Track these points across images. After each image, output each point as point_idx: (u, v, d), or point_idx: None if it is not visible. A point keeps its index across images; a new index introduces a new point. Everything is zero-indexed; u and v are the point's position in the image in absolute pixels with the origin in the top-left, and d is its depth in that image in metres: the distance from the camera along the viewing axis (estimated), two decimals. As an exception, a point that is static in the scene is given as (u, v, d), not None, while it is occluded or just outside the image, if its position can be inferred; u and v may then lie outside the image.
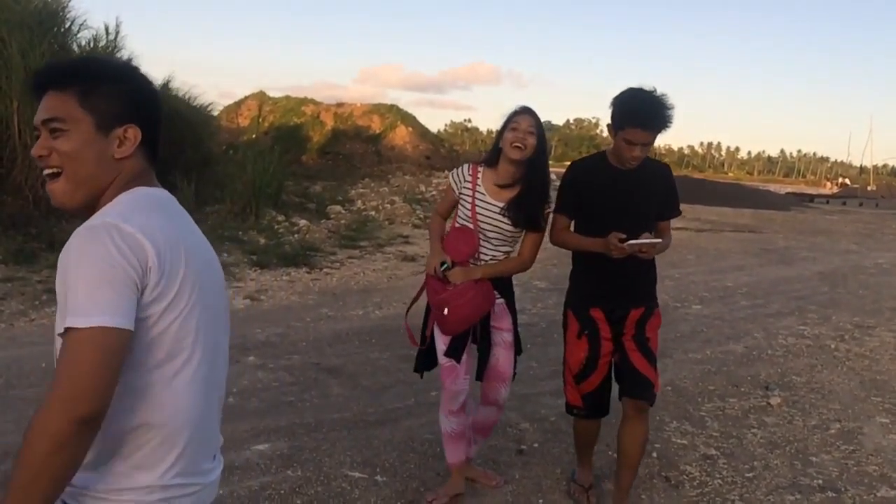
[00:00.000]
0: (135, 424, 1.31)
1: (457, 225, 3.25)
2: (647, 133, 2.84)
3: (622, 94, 2.89)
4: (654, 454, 3.95)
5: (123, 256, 1.24)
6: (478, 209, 3.16)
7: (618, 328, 3.11)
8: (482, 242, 3.18)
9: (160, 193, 1.45)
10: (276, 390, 4.56)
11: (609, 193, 3.02)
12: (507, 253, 3.27)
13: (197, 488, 1.41)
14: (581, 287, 3.21)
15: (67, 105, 1.37)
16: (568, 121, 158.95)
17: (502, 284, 3.27)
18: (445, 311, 3.11)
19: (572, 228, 3.15)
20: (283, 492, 3.28)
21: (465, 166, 3.29)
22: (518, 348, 3.40)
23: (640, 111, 2.82)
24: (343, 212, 13.45)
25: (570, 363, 3.21)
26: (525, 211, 3.13)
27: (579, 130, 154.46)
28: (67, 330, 1.20)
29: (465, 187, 3.22)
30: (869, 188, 49.59)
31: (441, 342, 3.19)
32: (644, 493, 3.52)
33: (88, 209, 1.39)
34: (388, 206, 14.88)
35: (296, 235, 10.69)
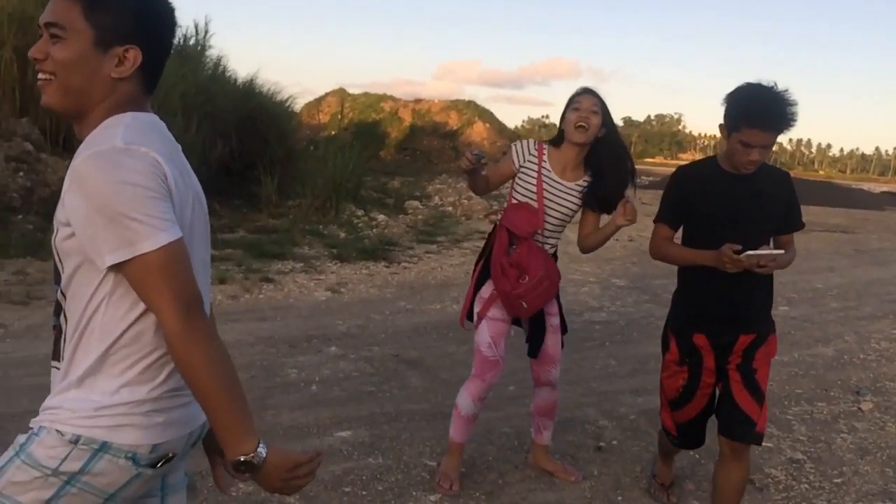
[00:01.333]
0: (131, 336, 1.33)
1: (514, 201, 3.21)
2: (766, 134, 2.53)
3: (737, 89, 2.60)
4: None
5: (149, 173, 1.25)
6: (544, 185, 3.14)
7: (723, 355, 2.81)
8: (545, 220, 3.16)
9: (153, 118, 1.42)
10: (356, 380, 4.66)
11: (722, 203, 2.71)
12: (558, 239, 3.29)
13: (188, 399, 1.40)
14: (685, 308, 2.89)
15: (71, 13, 1.32)
16: (649, 116, 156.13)
17: None
18: (524, 304, 3.13)
19: (678, 240, 2.89)
20: (364, 478, 3.37)
21: (531, 141, 3.25)
22: (563, 328, 3.42)
23: (759, 110, 2.52)
24: (420, 207, 13.58)
25: (665, 388, 2.97)
26: (600, 193, 3.15)
27: (661, 126, 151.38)
28: (139, 258, 1.23)
29: (529, 161, 3.18)
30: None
31: (487, 334, 3.20)
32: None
33: (74, 117, 1.38)
34: (465, 201, 14.93)
35: (374, 230, 10.86)
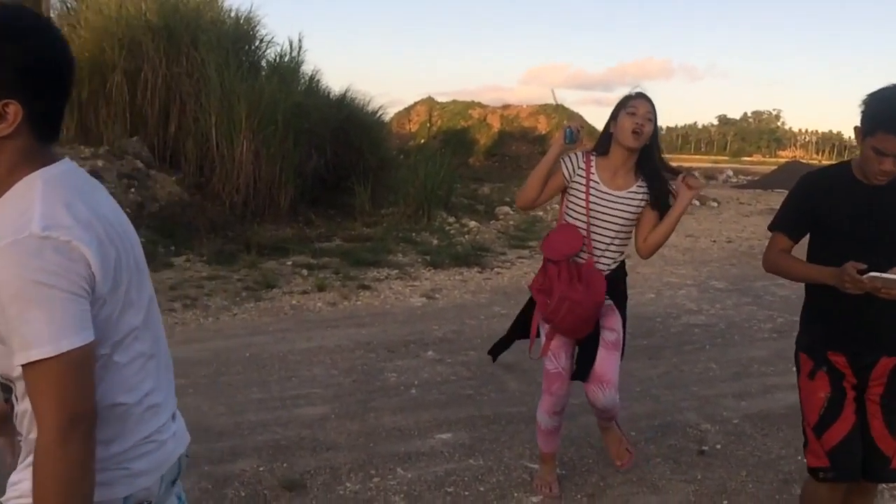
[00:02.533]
0: (106, 405, 1.28)
1: (565, 221, 3.15)
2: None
3: (880, 90, 2.32)
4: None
5: (66, 270, 1.16)
6: (592, 199, 3.05)
7: (862, 379, 2.50)
8: (595, 236, 3.07)
9: (65, 168, 1.29)
10: (454, 384, 4.74)
11: (854, 216, 2.42)
12: (621, 253, 3.15)
13: (158, 444, 1.38)
14: (815, 327, 2.59)
15: None
16: (745, 114, 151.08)
17: (612, 286, 3.11)
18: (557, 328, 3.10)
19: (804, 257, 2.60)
20: (466, 479, 3.43)
21: (580, 154, 3.12)
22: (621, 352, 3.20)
23: (891, 116, 2.24)
24: (511, 213, 13.61)
25: (805, 412, 2.57)
26: (658, 193, 3.08)
27: (758, 124, 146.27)
28: (35, 362, 1.15)
29: (578, 175, 3.09)
30: None
31: (554, 354, 3.15)
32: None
33: None
34: (556, 206, 14.85)
35: (466, 236, 10.97)
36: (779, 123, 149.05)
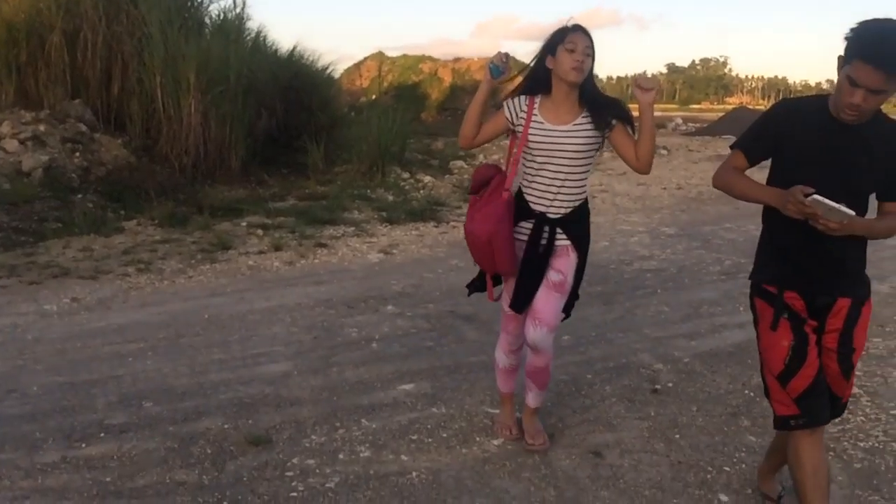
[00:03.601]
0: None
1: (520, 164, 3.09)
2: (877, 74, 2.14)
3: (867, 20, 2.23)
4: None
5: None
6: (537, 138, 2.99)
7: (820, 321, 2.48)
8: (547, 174, 3.01)
9: None
10: (414, 336, 4.81)
11: (819, 149, 2.34)
12: (579, 191, 3.06)
13: None
14: (772, 262, 2.54)
15: None
16: (693, 62, 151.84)
17: (576, 227, 3.10)
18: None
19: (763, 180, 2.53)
20: (429, 426, 3.52)
21: (523, 98, 3.07)
22: (571, 299, 3.16)
23: (876, 42, 2.14)
24: (466, 167, 13.61)
25: (769, 362, 2.51)
26: (611, 113, 2.99)
27: (706, 71, 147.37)
28: None
29: (521, 118, 3.05)
30: None
31: (507, 291, 3.18)
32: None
33: None
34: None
35: (421, 192, 10.97)
36: (726, 70, 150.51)
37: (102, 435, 3.37)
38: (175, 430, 3.42)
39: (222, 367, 4.23)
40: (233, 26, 11.58)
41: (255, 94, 10.85)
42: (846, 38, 2.22)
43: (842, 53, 2.25)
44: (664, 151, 18.67)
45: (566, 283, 3.11)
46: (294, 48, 13.01)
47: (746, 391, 3.97)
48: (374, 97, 21.16)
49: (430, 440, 3.40)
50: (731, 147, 2.58)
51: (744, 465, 3.20)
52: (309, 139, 11.47)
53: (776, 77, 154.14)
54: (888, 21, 2.18)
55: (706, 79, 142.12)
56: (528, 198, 3.10)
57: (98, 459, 3.16)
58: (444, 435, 3.45)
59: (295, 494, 2.92)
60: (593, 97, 3.03)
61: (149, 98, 10.33)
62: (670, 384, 4.08)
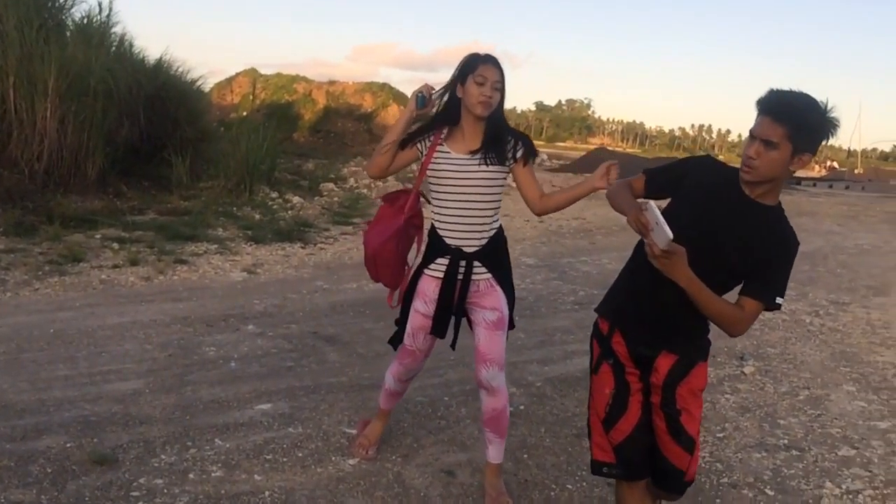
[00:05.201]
0: None
1: (432, 192, 3.07)
2: (770, 123, 2.11)
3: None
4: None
5: None
6: (443, 168, 2.97)
7: (645, 374, 2.39)
8: (455, 205, 2.98)
9: None
10: (275, 356, 4.78)
11: (710, 210, 2.26)
12: (491, 221, 3.04)
13: None
14: (619, 295, 2.50)
15: None
16: (560, 101, 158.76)
17: (493, 258, 3.08)
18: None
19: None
20: (285, 446, 3.51)
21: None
22: (510, 324, 3.16)
23: (775, 97, 2.14)
24: (336, 189, 13.62)
25: (595, 405, 2.49)
26: (497, 149, 2.96)
27: (571, 111, 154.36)
28: None
29: (429, 146, 3.03)
30: (856, 171, 50.07)
31: (409, 324, 3.14)
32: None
33: None
34: (381, 183, 15.02)
35: (289, 212, 10.87)
36: (589, 112, 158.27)
37: (-73, 454, 3.14)
38: (13, 448, 3.23)
39: (67, 383, 4.03)
40: (96, 31, 11.10)
41: (117, 101, 10.41)
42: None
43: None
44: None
45: (504, 319, 3.08)
46: (161, 57, 12.60)
47: (591, 414, 4.21)
48: (244, 114, 20.73)
49: (284, 459, 3.39)
50: (643, 171, 2.51)
51: (585, 484, 3.40)
52: (174, 152, 11.10)
53: (634, 121, 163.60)
54: (793, 90, 2.16)
55: (571, 118, 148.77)
56: (441, 233, 3.05)
57: (-79, 480, 2.95)
58: (300, 454, 3.45)
59: (140, 515, 2.84)
60: (498, 130, 2.99)
61: (0, 99, 9.69)
62: (522, 407, 4.26)
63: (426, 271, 3.11)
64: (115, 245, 7.51)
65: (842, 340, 6.20)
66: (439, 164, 3.00)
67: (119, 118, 10.63)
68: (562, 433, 3.94)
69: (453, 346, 3.26)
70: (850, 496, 3.50)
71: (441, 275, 3.06)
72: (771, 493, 3.47)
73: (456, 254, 3.02)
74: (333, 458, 3.44)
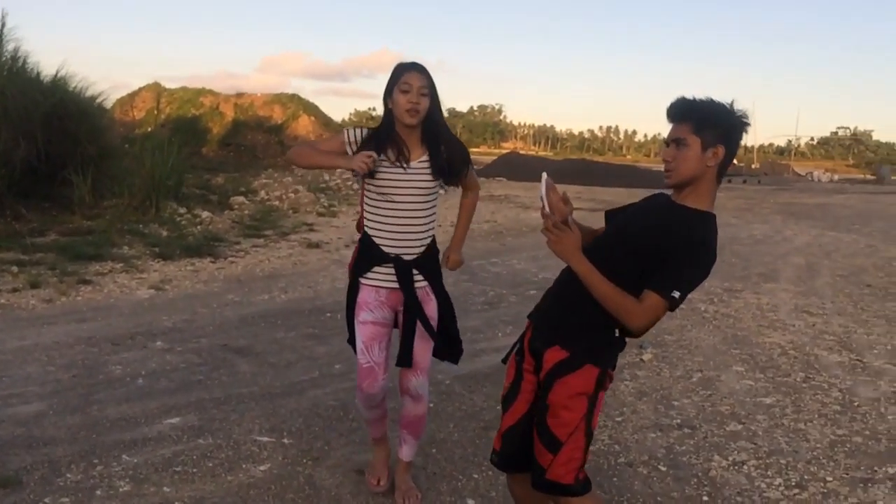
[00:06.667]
0: None
1: (367, 199, 3.01)
2: (675, 125, 2.25)
3: None
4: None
5: None
6: (384, 179, 2.92)
7: (539, 370, 2.37)
8: (392, 214, 2.96)
9: None
10: (184, 371, 4.76)
11: (631, 211, 2.42)
12: (427, 230, 3.04)
13: None
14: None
15: None
16: (472, 108, 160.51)
17: (429, 266, 3.08)
18: None
19: None
20: (194, 457, 3.53)
21: (363, 130, 3.02)
22: (437, 335, 3.12)
23: (672, 104, 2.26)
24: (246, 202, 13.48)
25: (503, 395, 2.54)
26: (443, 164, 2.98)
27: (483, 117, 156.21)
28: None
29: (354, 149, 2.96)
30: (753, 166, 52.52)
31: (360, 338, 3.04)
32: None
33: None
34: (292, 195, 14.96)
35: (198, 227, 10.72)
36: (501, 117, 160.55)
37: None
38: None
39: (-35, 410, 3.93)
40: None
41: (11, 120, 10.06)
42: None
43: None
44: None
45: (434, 326, 3.09)
46: (57, 73, 12.21)
47: (498, 407, 4.34)
48: (149, 129, 20.23)
49: (194, 470, 3.41)
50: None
51: (490, 472, 3.54)
52: (74, 171, 10.78)
53: (545, 125, 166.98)
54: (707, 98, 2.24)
55: (483, 124, 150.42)
56: (377, 241, 3.00)
57: None
58: (210, 464, 3.48)
59: (46, 534, 2.82)
60: (434, 139, 2.98)
61: None
62: (431, 404, 4.37)
63: (364, 281, 3.04)
64: (14, 268, 7.28)
65: (733, 325, 6.60)
66: (381, 174, 2.93)
67: (14, 138, 10.27)
68: (469, 427, 4.08)
69: (402, 360, 3.09)
70: (736, 467, 3.76)
71: (380, 283, 3.01)
72: (664, 468, 3.70)
73: (396, 261, 2.99)
74: (244, 466, 3.48)
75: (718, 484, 3.56)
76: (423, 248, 3.04)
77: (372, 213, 3.02)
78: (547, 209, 2.23)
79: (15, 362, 4.72)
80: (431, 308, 3.08)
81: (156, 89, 27.75)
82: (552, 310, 2.37)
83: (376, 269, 3.01)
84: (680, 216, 2.24)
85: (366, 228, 3.05)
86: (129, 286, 7.09)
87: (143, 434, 3.76)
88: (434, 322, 3.08)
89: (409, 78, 2.86)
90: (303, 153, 3.08)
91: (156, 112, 22.89)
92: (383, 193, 2.95)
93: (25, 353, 4.90)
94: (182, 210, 11.54)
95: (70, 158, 11.12)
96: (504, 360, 2.58)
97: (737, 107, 2.22)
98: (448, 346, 3.22)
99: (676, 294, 2.15)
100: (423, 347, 3.08)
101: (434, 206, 3.06)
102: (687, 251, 2.17)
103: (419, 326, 3.03)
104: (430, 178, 2.97)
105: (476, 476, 3.51)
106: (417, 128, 2.95)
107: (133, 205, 11.02)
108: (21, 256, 7.79)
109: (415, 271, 3.02)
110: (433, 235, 3.10)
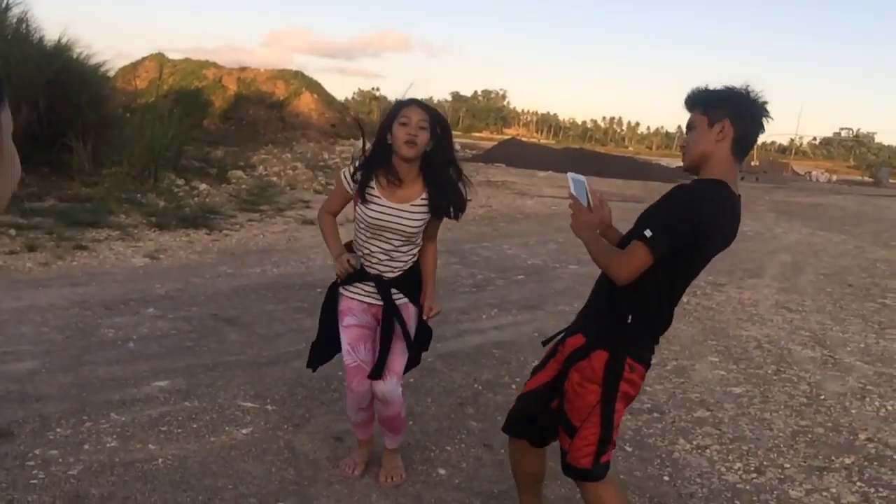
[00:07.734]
0: None
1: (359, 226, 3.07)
2: (689, 115, 2.38)
3: None
4: (514, 386, 4.54)
5: None
6: (371, 213, 2.97)
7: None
8: (377, 244, 3.02)
9: None
10: (175, 337, 4.91)
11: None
12: (411, 257, 3.10)
13: None
14: None
15: None
16: (476, 92, 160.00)
17: (409, 283, 3.13)
18: None
19: None
20: (180, 418, 3.69)
21: (356, 161, 3.05)
22: (416, 341, 3.14)
23: (686, 95, 2.39)
24: (244, 177, 13.59)
25: None
26: (441, 203, 3.00)
27: (487, 102, 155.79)
28: None
29: (355, 187, 3.02)
30: (752, 164, 52.55)
31: (346, 341, 3.09)
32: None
33: None
34: (291, 172, 15.07)
35: (196, 199, 10.84)
36: (505, 103, 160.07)
37: None
38: None
39: (-39, 365, 4.08)
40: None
41: (14, 86, 10.14)
42: None
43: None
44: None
45: (411, 335, 3.13)
46: (61, 39, 12.26)
47: (476, 385, 4.54)
48: (151, 99, 20.28)
49: (179, 430, 3.57)
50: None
51: (462, 445, 3.70)
52: (75, 138, 10.88)
53: (548, 113, 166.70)
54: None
55: (487, 109, 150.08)
56: (362, 261, 3.06)
57: None
58: (195, 426, 3.63)
59: (35, 482, 2.98)
60: (437, 179, 2.99)
61: None
62: (412, 380, 4.53)
63: (346, 293, 3.11)
64: (13, 231, 7.40)
65: (713, 317, 6.75)
66: (370, 206, 2.98)
67: (16, 103, 10.35)
68: (446, 402, 4.24)
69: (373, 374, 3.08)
70: (700, 451, 3.93)
71: (361, 298, 3.08)
72: (630, 449, 3.86)
73: (376, 280, 3.05)
74: (227, 429, 3.64)
75: (680, 465, 3.73)
76: (405, 269, 3.10)
77: (361, 237, 3.08)
78: (589, 206, 2.47)
79: (10, 322, 4.87)
80: (409, 316, 3.11)
81: (159, 60, 27.73)
82: (588, 302, 2.51)
83: (357, 284, 3.08)
84: (686, 185, 2.34)
85: (354, 247, 3.12)
86: (124, 253, 7.23)
87: (132, 395, 3.92)
88: (410, 329, 3.10)
89: (408, 112, 2.88)
90: (320, 226, 3.18)
91: (158, 83, 22.91)
92: (373, 227, 3.00)
93: (21, 314, 5.04)
94: (180, 181, 11.65)
95: (71, 125, 11.21)
96: (544, 343, 2.69)
97: (751, 89, 2.30)
98: (417, 348, 3.20)
99: (648, 233, 2.23)
100: (399, 351, 3.08)
101: (420, 235, 3.10)
102: (665, 197, 2.33)
103: (396, 335, 3.07)
104: (423, 216, 3.01)
105: (449, 448, 3.67)
106: (415, 166, 2.96)
107: (132, 174, 11.13)
108: (19, 220, 7.91)
109: (394, 290, 3.08)
110: (416, 258, 3.15)
